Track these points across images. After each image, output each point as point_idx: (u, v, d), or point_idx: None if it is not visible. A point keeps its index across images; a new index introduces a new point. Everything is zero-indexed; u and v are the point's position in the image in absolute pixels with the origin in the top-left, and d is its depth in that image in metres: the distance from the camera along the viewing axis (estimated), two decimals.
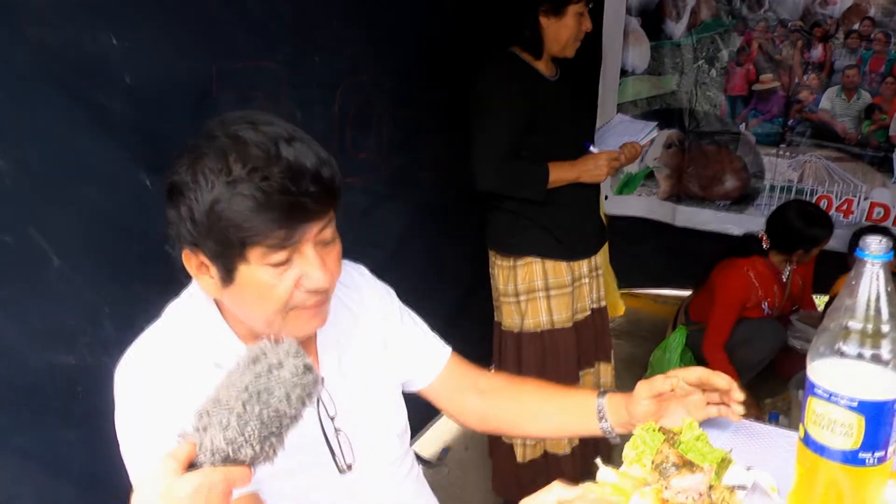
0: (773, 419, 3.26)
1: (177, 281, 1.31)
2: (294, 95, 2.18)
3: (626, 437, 1.37)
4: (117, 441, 1.14)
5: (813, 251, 3.31)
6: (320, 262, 1.11)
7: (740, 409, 1.30)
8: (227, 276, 1.10)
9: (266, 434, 0.89)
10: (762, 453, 1.32)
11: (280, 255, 1.08)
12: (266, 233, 1.04)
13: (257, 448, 0.88)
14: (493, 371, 1.60)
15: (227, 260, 1.08)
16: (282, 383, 0.90)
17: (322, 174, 1.07)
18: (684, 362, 3.54)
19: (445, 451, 3.33)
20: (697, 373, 1.31)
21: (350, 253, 2.70)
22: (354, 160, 2.53)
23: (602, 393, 1.41)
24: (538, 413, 1.47)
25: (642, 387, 1.33)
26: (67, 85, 1.53)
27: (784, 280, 3.45)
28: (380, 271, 2.72)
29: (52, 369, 1.49)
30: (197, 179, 1.04)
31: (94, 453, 1.23)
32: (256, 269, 1.08)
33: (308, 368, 0.92)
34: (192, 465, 0.88)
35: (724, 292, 3.36)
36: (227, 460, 0.88)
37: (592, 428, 1.40)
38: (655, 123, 2.81)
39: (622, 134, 2.71)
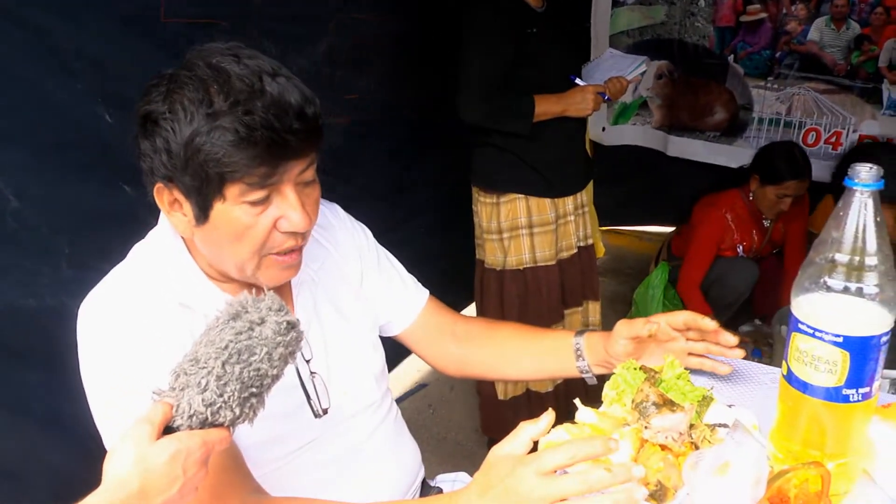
0: (756, 356, 3.28)
1: (138, 220, 1.24)
2: (275, 30, 2.04)
3: (602, 378, 1.35)
4: (79, 382, 1.10)
5: (768, 189, 3.23)
6: (300, 203, 1.07)
7: (736, 353, 1.26)
8: (202, 213, 1.05)
9: (246, 395, 0.85)
10: (744, 391, 1.31)
11: (259, 194, 1.03)
12: (246, 169, 0.99)
13: (237, 410, 0.84)
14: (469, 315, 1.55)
15: (203, 196, 1.03)
16: (263, 342, 0.85)
17: (306, 112, 1.02)
18: (668, 298, 3.55)
19: (421, 386, 3.34)
20: (683, 317, 1.28)
21: (336, 195, 2.61)
22: (341, 100, 2.45)
23: (580, 332, 1.38)
24: (516, 357, 1.45)
25: (622, 327, 1.30)
26: (13, 12, 1.43)
27: (766, 225, 3.43)
28: (368, 212, 2.65)
29: (12, 312, 1.43)
30: (175, 109, 0.99)
31: (55, 394, 1.19)
32: (233, 207, 1.03)
33: (291, 325, 0.88)
34: (168, 429, 0.84)
35: (700, 231, 3.37)
36: (206, 424, 0.84)
37: (570, 368, 1.38)
38: (644, 58, 2.74)
39: (610, 69, 2.66)
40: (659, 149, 4.26)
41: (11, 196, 1.41)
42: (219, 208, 1.04)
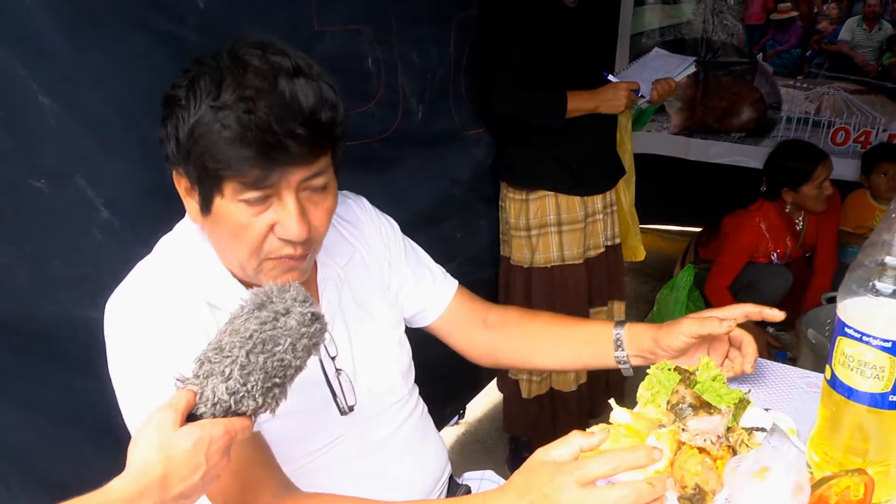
0: (781, 358, 3.24)
1: None
2: (407, 32, 2.00)
3: (638, 371, 1.33)
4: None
5: (805, 190, 3.18)
6: (298, 211, 1.02)
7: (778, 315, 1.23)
8: (205, 205, 1.04)
9: (269, 385, 0.85)
10: (779, 395, 1.29)
11: (254, 194, 1.00)
12: (237, 169, 0.97)
13: (260, 400, 0.85)
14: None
15: (205, 188, 1.02)
16: (288, 332, 0.86)
17: (318, 117, 0.99)
18: (691, 301, 3.51)
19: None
20: (744, 309, 1.24)
21: (477, 213, 2.57)
22: (471, 110, 2.42)
23: (620, 322, 1.36)
24: (550, 345, 1.43)
25: (690, 325, 1.24)
26: (130, 11, 1.37)
27: (798, 230, 3.39)
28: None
29: (77, 322, 1.38)
30: (188, 97, 0.98)
31: (113, 405, 1.17)
32: (231, 204, 1.01)
33: (316, 317, 0.88)
34: (191, 416, 0.85)
35: (734, 241, 3.33)
36: (229, 412, 0.85)
37: (606, 359, 1.35)
38: (693, 59, 2.68)
39: (657, 69, 2.60)
40: (678, 155, 4.19)
41: (102, 206, 1.36)
42: (219, 203, 1.02)
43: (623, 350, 1.33)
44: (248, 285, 1.14)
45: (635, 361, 1.34)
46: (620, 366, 1.35)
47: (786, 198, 3.25)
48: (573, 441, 0.89)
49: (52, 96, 1.26)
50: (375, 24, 1.92)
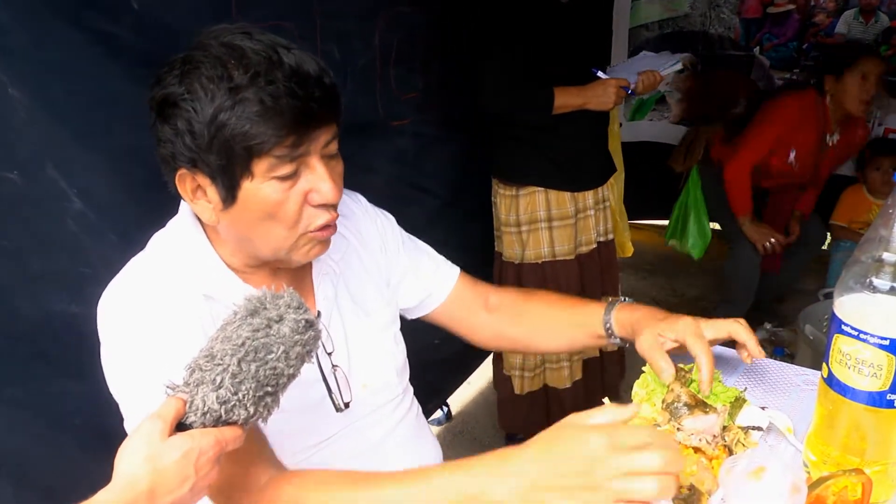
0: (779, 354, 3.23)
1: None
2: (330, 28, 1.99)
3: (633, 370, 1.32)
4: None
5: (848, 78, 3.04)
6: (329, 174, 1.05)
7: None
8: (229, 195, 1.02)
9: (261, 394, 0.83)
10: (776, 393, 1.27)
11: (288, 168, 1.01)
12: (275, 140, 0.98)
13: (251, 409, 0.83)
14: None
15: (230, 176, 1.01)
16: (281, 340, 0.84)
17: (324, 80, 1.02)
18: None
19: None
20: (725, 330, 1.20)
21: (404, 200, 2.52)
22: (399, 101, 2.38)
23: (611, 305, 1.34)
24: (548, 331, 1.43)
25: (644, 343, 1.22)
26: (75, 12, 1.37)
27: (829, 144, 3.29)
28: (435, 219, 2.62)
29: (56, 317, 1.37)
30: (193, 89, 0.97)
31: (98, 406, 1.15)
32: (262, 184, 1.01)
33: (309, 324, 0.86)
34: (180, 425, 0.83)
35: (769, 120, 3.20)
36: (219, 421, 0.83)
37: (602, 342, 1.36)
38: (679, 58, 2.69)
39: (643, 67, 2.61)
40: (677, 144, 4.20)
41: (76, 198, 1.35)
42: (247, 187, 1.02)
43: (615, 337, 1.32)
44: (244, 278, 1.13)
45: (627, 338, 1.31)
46: (619, 346, 1.35)
47: (826, 86, 3.14)
48: (607, 410, 0.83)
49: (20, 88, 1.25)
50: (298, 20, 1.91)
